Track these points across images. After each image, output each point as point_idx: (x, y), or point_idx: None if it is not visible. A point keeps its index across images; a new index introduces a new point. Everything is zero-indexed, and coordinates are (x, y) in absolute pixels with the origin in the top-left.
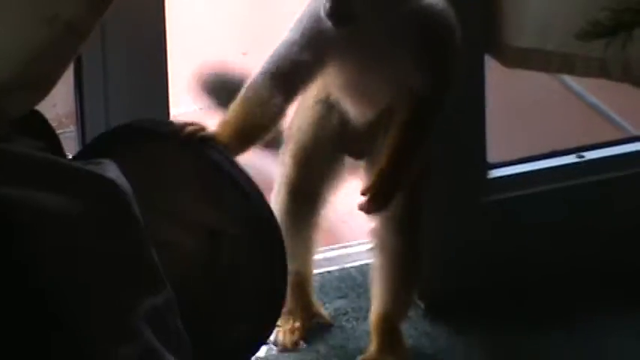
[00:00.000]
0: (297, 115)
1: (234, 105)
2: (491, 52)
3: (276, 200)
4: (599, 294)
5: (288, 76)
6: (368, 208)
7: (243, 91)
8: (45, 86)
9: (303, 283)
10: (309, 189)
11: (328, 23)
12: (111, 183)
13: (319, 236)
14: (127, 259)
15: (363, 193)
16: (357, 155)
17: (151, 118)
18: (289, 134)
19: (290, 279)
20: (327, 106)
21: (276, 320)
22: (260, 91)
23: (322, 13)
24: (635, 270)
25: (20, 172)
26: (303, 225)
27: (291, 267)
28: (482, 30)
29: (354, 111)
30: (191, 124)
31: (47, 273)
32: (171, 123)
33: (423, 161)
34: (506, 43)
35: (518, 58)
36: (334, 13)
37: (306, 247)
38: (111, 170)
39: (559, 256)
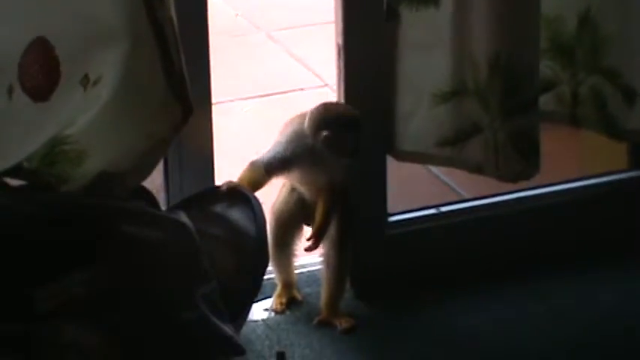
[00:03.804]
0: (277, 197)
1: (247, 171)
2: (389, 152)
3: (270, 237)
4: (464, 285)
5: (272, 172)
6: (311, 247)
7: (253, 165)
8: (147, 172)
9: (288, 283)
10: (285, 237)
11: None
12: (183, 224)
13: (295, 258)
14: (191, 264)
15: (308, 239)
16: (307, 223)
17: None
18: (272, 209)
19: (281, 281)
20: (291, 192)
21: (259, 291)
22: (258, 170)
23: (324, 146)
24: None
25: (134, 217)
26: (286, 253)
27: (281, 277)
28: (384, 140)
29: (305, 192)
30: (229, 182)
31: (147, 269)
32: (217, 187)
33: (347, 216)
34: (397, 147)
35: (405, 157)
36: (353, 153)
37: (289, 264)
38: (182, 217)
39: (429, 263)
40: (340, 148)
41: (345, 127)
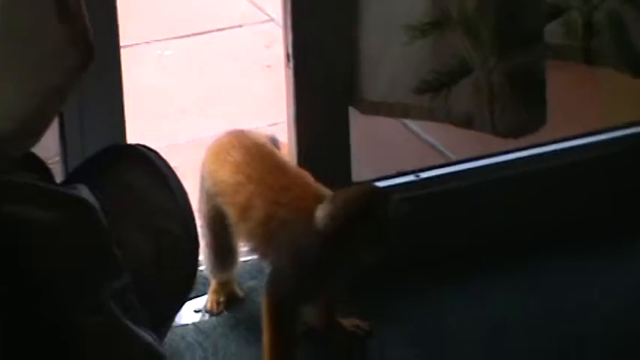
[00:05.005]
0: (207, 166)
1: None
2: (353, 104)
3: (205, 222)
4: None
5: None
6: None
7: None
8: (37, 135)
9: (228, 281)
10: (225, 222)
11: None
12: (84, 201)
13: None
14: (95, 254)
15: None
16: None
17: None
18: (204, 185)
19: (218, 281)
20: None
21: (192, 287)
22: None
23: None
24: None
25: (20, 194)
26: (227, 246)
27: (217, 271)
28: (347, 89)
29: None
30: None
31: (36, 263)
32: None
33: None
34: (363, 97)
35: (372, 108)
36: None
37: (232, 261)
38: (84, 192)
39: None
40: (376, 238)
41: (384, 211)
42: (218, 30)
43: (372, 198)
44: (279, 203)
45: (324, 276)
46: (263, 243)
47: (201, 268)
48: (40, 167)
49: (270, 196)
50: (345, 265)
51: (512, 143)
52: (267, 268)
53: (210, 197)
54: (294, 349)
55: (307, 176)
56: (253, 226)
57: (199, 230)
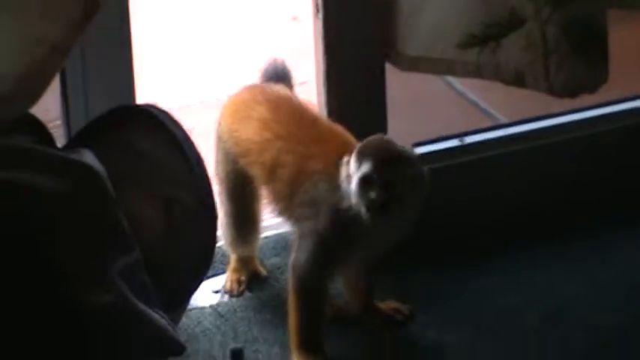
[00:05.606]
0: (224, 134)
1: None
2: (390, 59)
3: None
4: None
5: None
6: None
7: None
8: (35, 95)
9: (250, 257)
10: (246, 193)
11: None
12: (88, 167)
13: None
14: (103, 227)
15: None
16: None
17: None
18: (223, 156)
19: (237, 252)
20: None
21: (209, 264)
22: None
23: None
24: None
25: (18, 159)
26: (248, 218)
27: (237, 247)
28: (383, 42)
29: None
30: None
31: (39, 237)
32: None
33: None
34: (401, 52)
35: (411, 64)
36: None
37: (253, 232)
38: (88, 157)
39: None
40: (369, 198)
41: (383, 165)
42: None
43: (402, 160)
44: (309, 156)
45: (351, 237)
46: (290, 204)
47: (219, 243)
48: (40, 131)
49: (300, 150)
50: (374, 231)
51: (568, 103)
52: (292, 241)
53: (230, 159)
54: (322, 332)
55: (341, 129)
56: (282, 187)
57: (217, 199)
